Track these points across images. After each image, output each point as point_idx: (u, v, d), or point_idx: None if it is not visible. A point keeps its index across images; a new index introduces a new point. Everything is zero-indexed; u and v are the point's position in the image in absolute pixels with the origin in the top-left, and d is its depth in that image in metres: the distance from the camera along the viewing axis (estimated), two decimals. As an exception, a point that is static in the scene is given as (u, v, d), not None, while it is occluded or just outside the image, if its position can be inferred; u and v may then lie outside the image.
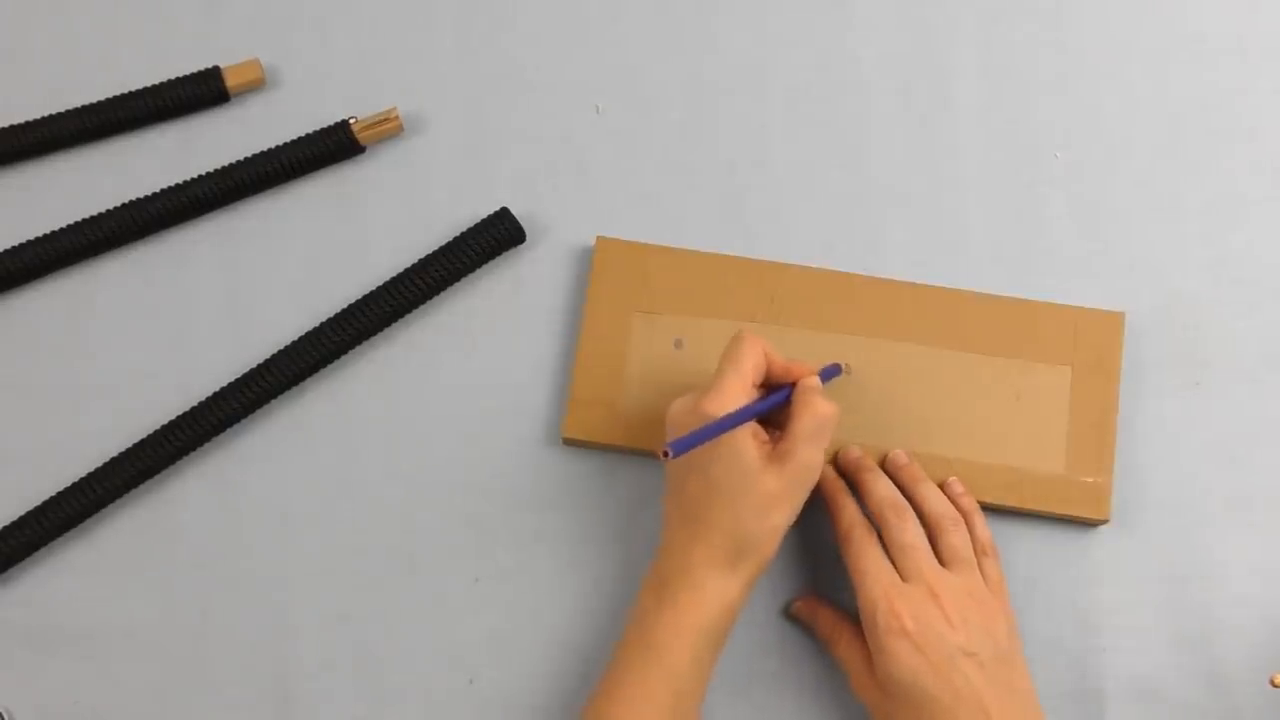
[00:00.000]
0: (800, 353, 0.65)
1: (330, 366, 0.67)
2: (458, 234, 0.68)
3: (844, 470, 0.64)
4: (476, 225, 0.68)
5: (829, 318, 0.66)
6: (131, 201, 0.69)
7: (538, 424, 0.67)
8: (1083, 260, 0.69)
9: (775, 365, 0.59)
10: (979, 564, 0.60)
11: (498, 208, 0.68)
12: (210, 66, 0.70)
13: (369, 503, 0.66)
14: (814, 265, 0.67)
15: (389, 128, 0.70)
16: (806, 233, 0.69)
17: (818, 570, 0.65)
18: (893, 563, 0.59)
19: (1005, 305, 0.66)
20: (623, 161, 0.71)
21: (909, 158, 0.70)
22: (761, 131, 0.71)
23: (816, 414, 0.57)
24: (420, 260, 0.68)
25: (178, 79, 0.70)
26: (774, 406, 0.59)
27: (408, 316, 0.68)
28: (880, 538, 0.60)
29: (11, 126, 0.70)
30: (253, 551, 0.66)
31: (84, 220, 0.68)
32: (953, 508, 0.62)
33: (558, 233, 0.69)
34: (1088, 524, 0.64)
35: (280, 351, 0.66)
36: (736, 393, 0.57)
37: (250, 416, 0.66)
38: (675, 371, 0.66)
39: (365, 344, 0.68)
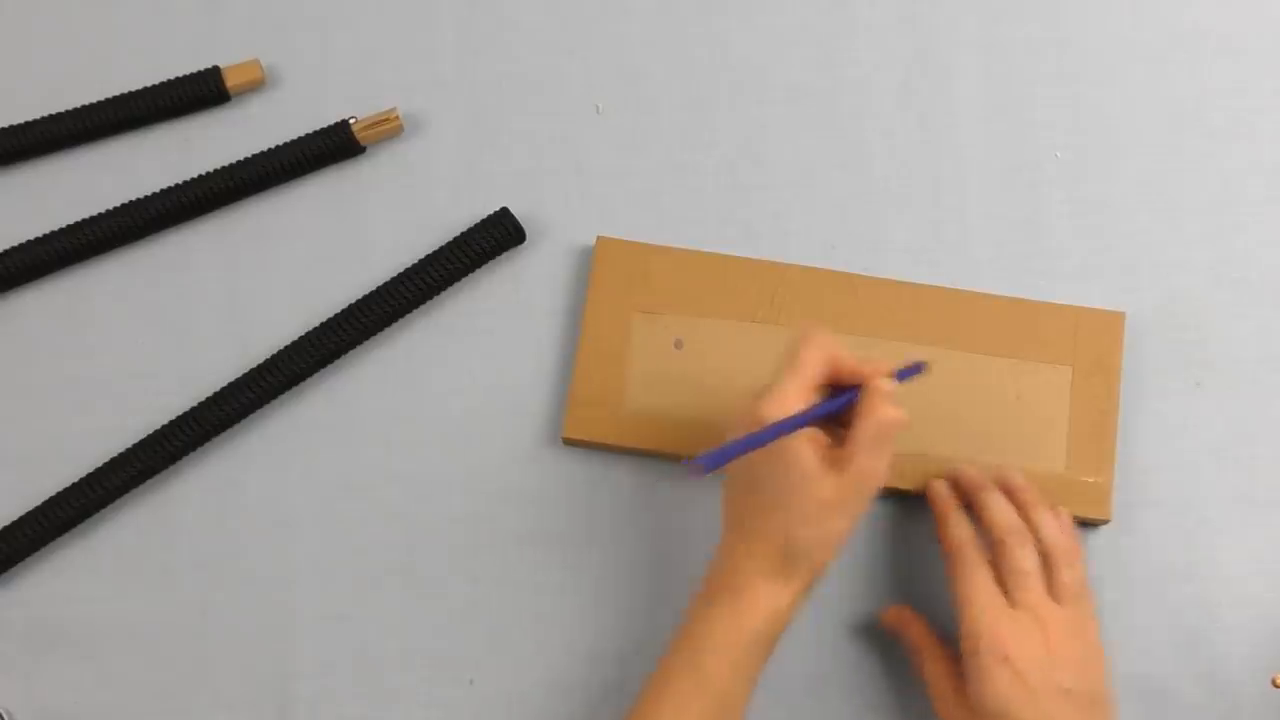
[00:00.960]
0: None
1: (330, 366, 0.67)
2: (458, 234, 0.68)
3: (961, 487, 0.63)
4: (476, 225, 0.68)
5: (829, 318, 0.66)
6: (131, 201, 0.69)
7: (538, 424, 0.67)
8: (1083, 260, 0.69)
9: (845, 365, 0.56)
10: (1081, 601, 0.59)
11: (498, 208, 0.68)
12: (210, 66, 0.70)
13: (369, 503, 0.66)
14: (814, 265, 0.67)
15: (389, 128, 0.70)
16: (806, 233, 0.69)
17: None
18: (1002, 587, 0.58)
19: (1005, 305, 0.66)
20: (623, 161, 0.71)
21: (909, 158, 0.70)
22: (761, 131, 0.71)
23: (879, 420, 0.54)
24: (420, 260, 0.67)
25: (178, 79, 0.70)
26: (835, 411, 0.56)
27: (408, 316, 0.68)
28: (989, 560, 0.59)
29: (11, 126, 0.70)
30: (253, 551, 0.66)
31: (84, 220, 0.68)
32: (1071, 542, 0.60)
33: (558, 233, 0.69)
34: (1088, 524, 0.64)
35: (280, 351, 0.66)
36: (792, 396, 0.54)
37: (250, 416, 0.66)
38: (675, 371, 0.66)
39: (365, 344, 0.68)
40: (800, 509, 0.54)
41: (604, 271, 0.67)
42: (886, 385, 0.56)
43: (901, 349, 0.65)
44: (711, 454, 0.50)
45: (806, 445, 0.54)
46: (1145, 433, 0.66)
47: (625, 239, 0.68)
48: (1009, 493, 0.61)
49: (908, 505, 0.65)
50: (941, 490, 0.62)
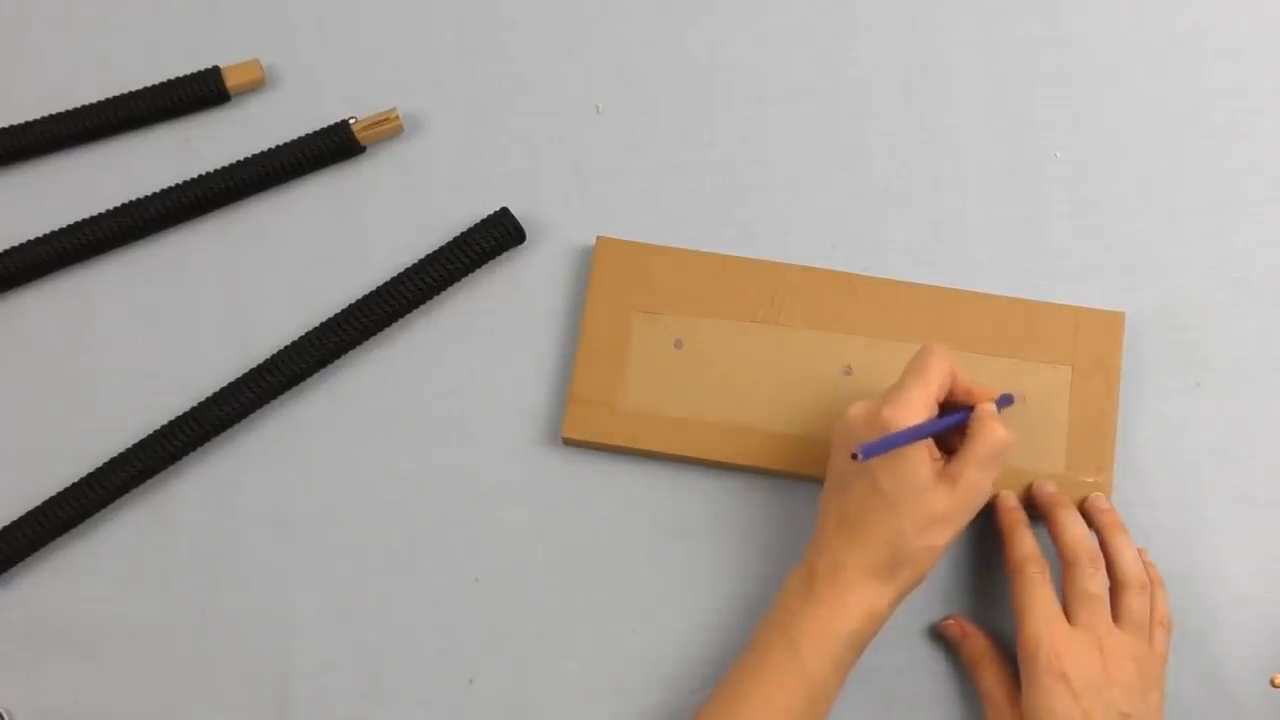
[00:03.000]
0: (800, 353, 0.65)
1: (330, 366, 0.67)
2: (457, 234, 0.68)
3: (1037, 504, 0.63)
4: (476, 225, 0.68)
5: (829, 318, 0.66)
6: (131, 201, 0.69)
7: (538, 424, 0.67)
8: (1083, 260, 0.69)
9: (958, 385, 0.59)
10: (1151, 633, 0.60)
11: (498, 208, 0.68)
12: (210, 66, 0.70)
13: (369, 503, 0.66)
14: (814, 265, 0.67)
15: (389, 128, 0.70)
16: (806, 233, 0.69)
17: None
18: (1066, 607, 0.59)
19: (1005, 305, 0.66)
20: (623, 161, 0.71)
21: (909, 158, 0.70)
22: (761, 131, 0.71)
23: (993, 440, 0.57)
24: (420, 260, 0.67)
25: (178, 79, 0.70)
26: (954, 426, 0.59)
27: (408, 316, 0.68)
28: (1055, 578, 0.60)
29: (11, 126, 0.70)
30: (253, 551, 0.66)
31: (84, 220, 0.68)
32: (1144, 573, 0.60)
33: (558, 233, 0.69)
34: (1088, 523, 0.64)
35: (280, 351, 0.66)
36: (919, 405, 0.56)
37: (250, 416, 0.66)
38: (675, 371, 0.66)
39: (365, 344, 0.68)
40: (913, 517, 0.56)
41: (604, 271, 0.67)
42: (994, 409, 0.59)
43: (902, 349, 0.65)
44: (874, 444, 0.53)
45: (926, 456, 0.56)
46: (1145, 433, 0.66)
47: (625, 239, 0.68)
48: (1091, 513, 0.62)
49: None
50: (1010, 502, 0.63)
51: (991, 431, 0.57)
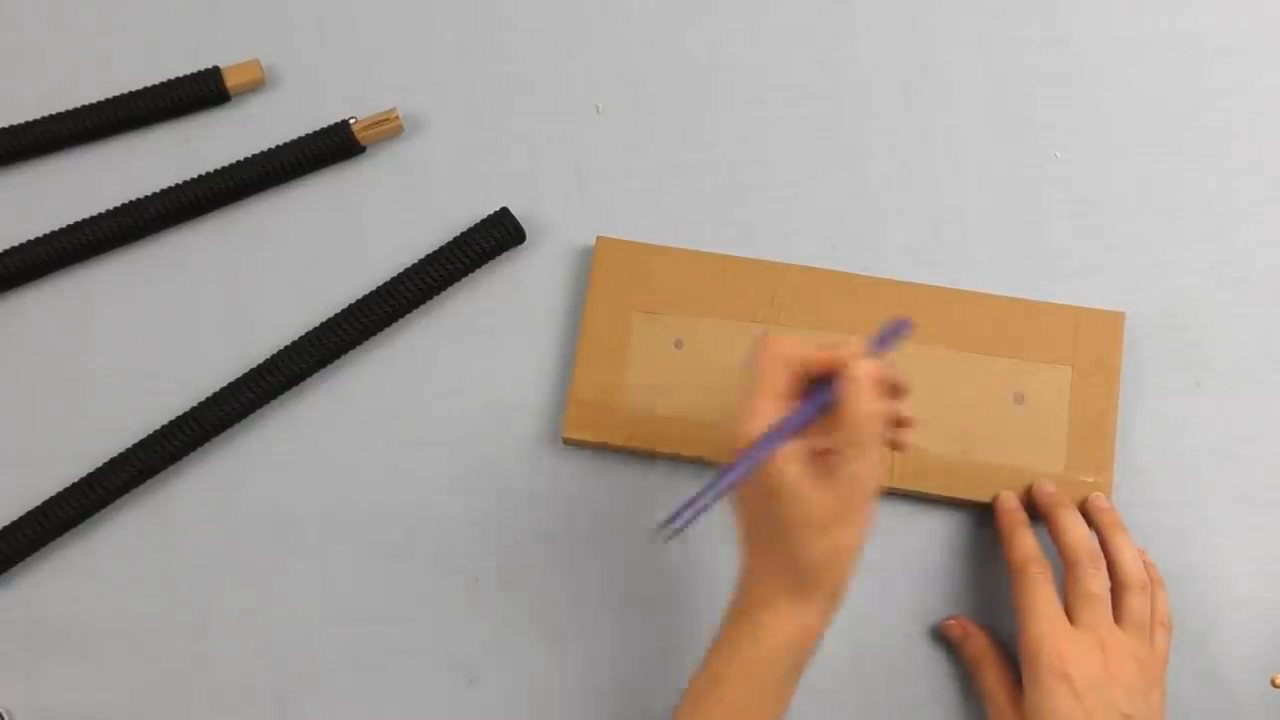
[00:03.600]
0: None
1: (330, 366, 0.67)
2: (457, 234, 0.68)
3: (1037, 504, 0.63)
4: (476, 225, 0.68)
5: (829, 318, 0.66)
6: (131, 201, 0.69)
7: (538, 424, 0.67)
8: (1083, 260, 0.69)
9: (813, 359, 0.52)
10: (1152, 633, 0.59)
11: (498, 208, 0.68)
12: (210, 66, 0.70)
13: (369, 502, 0.66)
14: (814, 265, 0.67)
15: (389, 128, 0.70)
16: (806, 233, 0.69)
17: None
18: (1068, 607, 0.59)
19: (1005, 305, 0.66)
20: (623, 161, 0.71)
21: (909, 158, 0.70)
22: (761, 131, 0.71)
23: (858, 416, 0.50)
24: (420, 260, 0.67)
25: (178, 79, 0.70)
26: (817, 413, 0.52)
27: (408, 316, 0.68)
28: (1054, 578, 0.60)
29: (11, 126, 0.70)
30: (253, 551, 0.66)
31: (84, 220, 0.68)
32: (1144, 573, 0.60)
33: (558, 233, 0.69)
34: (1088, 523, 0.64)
35: (280, 351, 0.66)
36: (764, 409, 0.51)
37: (250, 416, 0.66)
38: (675, 371, 0.66)
39: (365, 344, 0.68)
40: (800, 530, 0.51)
41: (604, 271, 0.67)
42: (861, 370, 0.51)
43: (902, 349, 0.65)
44: (679, 513, 0.48)
45: (789, 464, 0.50)
46: (1145, 433, 0.66)
47: (625, 239, 0.68)
48: (1094, 513, 0.62)
49: (976, 516, 0.65)
50: (1010, 503, 0.63)
51: (853, 408, 0.50)
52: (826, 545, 0.51)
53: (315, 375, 0.67)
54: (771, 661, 0.53)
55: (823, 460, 0.51)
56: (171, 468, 0.66)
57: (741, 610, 0.54)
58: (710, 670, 0.54)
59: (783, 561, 0.52)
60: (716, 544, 0.65)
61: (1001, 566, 0.62)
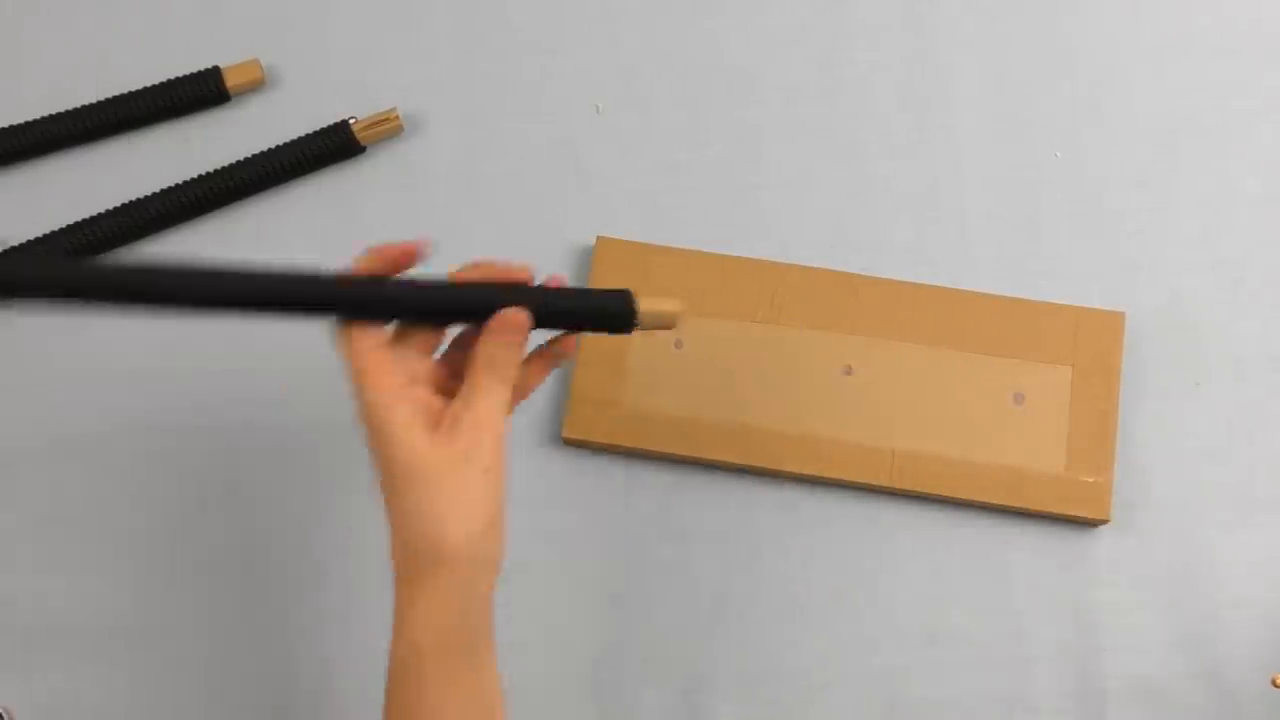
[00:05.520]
0: (800, 353, 0.65)
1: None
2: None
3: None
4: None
5: (829, 318, 0.66)
6: (131, 201, 0.69)
7: (538, 424, 0.67)
8: (1083, 260, 0.69)
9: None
10: None
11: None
12: (210, 66, 0.70)
13: (369, 503, 0.66)
14: (814, 265, 0.67)
15: (389, 128, 0.70)
16: (806, 233, 0.69)
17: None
18: None
19: (1005, 305, 0.66)
20: (623, 161, 0.71)
21: (909, 158, 0.70)
22: (761, 131, 0.71)
23: (484, 352, 0.45)
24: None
25: (178, 79, 0.70)
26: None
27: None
28: None
29: (11, 126, 0.70)
30: (252, 551, 0.65)
31: (84, 220, 0.68)
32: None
33: (558, 233, 0.69)
34: (1088, 524, 0.64)
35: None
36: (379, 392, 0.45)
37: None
38: (675, 371, 0.66)
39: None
40: (423, 491, 0.44)
41: (604, 271, 0.67)
42: (504, 322, 0.46)
43: (902, 349, 0.65)
44: None
45: (409, 411, 0.45)
46: (1145, 433, 0.66)
47: (625, 239, 0.68)
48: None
49: (976, 516, 0.65)
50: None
51: (490, 341, 0.45)
52: (434, 508, 0.45)
53: (312, 373, 0.67)
54: (413, 657, 0.45)
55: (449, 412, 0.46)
56: (172, 462, 0.66)
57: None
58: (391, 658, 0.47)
59: (398, 538, 0.45)
60: (715, 546, 0.65)
61: (1000, 565, 0.62)
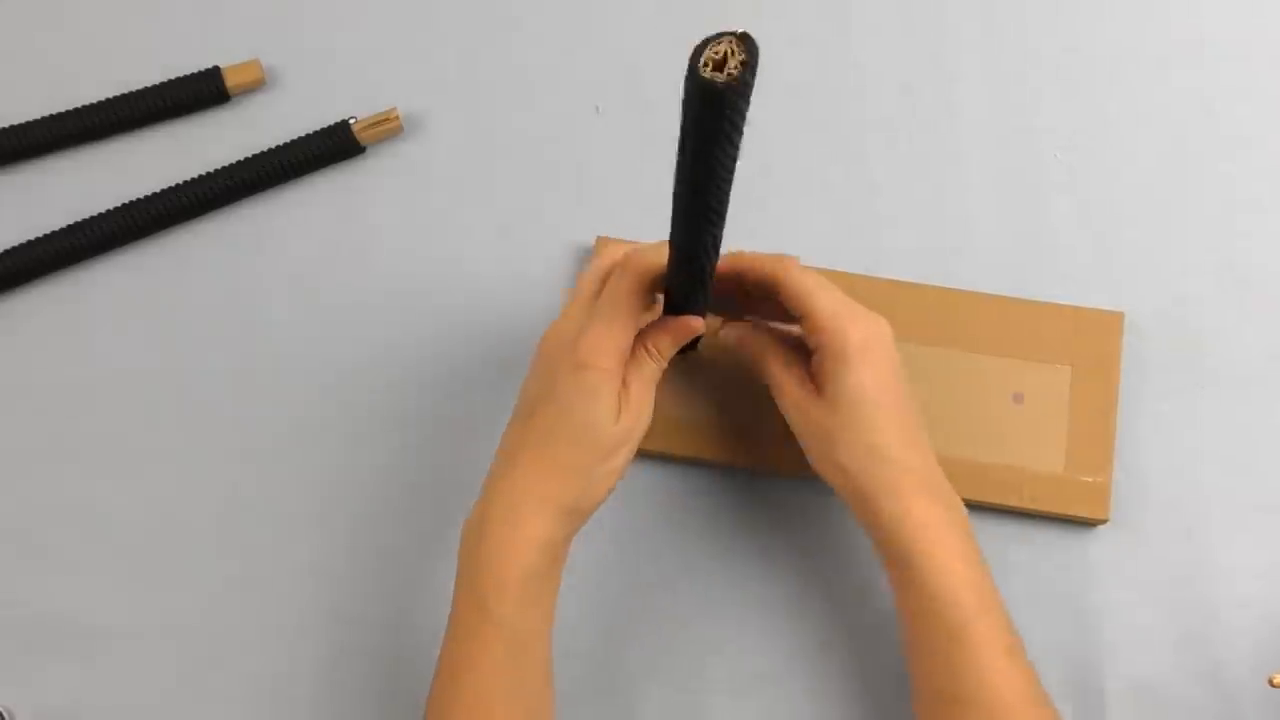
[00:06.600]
0: (800, 353, 0.65)
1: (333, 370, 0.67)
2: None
3: (753, 280, 0.58)
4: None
5: (829, 318, 0.66)
6: (131, 201, 0.69)
7: (538, 424, 0.67)
8: (1084, 261, 0.69)
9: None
10: None
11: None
12: (210, 66, 0.71)
13: (369, 503, 0.66)
14: (813, 265, 0.67)
15: (389, 128, 0.70)
16: (807, 233, 0.69)
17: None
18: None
19: (1005, 305, 0.66)
20: (623, 161, 0.71)
21: (910, 158, 0.70)
22: (761, 132, 0.71)
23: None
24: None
25: (178, 79, 0.70)
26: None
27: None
28: None
29: (11, 126, 0.70)
30: (252, 551, 0.66)
31: (84, 220, 0.68)
32: None
33: (558, 233, 0.69)
34: (1088, 524, 0.64)
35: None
36: (615, 334, 0.53)
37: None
38: (676, 372, 0.65)
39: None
40: (601, 444, 0.53)
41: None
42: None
43: (901, 349, 0.65)
44: None
45: (611, 384, 0.52)
46: (1145, 433, 0.66)
47: (625, 239, 0.68)
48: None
49: (975, 516, 0.65)
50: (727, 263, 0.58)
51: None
52: (612, 463, 0.54)
53: (307, 373, 0.67)
54: (528, 570, 0.52)
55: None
56: (169, 462, 0.66)
57: (492, 525, 0.53)
58: (470, 593, 0.53)
59: (566, 475, 0.53)
60: (716, 545, 0.65)
61: (999, 565, 0.62)
